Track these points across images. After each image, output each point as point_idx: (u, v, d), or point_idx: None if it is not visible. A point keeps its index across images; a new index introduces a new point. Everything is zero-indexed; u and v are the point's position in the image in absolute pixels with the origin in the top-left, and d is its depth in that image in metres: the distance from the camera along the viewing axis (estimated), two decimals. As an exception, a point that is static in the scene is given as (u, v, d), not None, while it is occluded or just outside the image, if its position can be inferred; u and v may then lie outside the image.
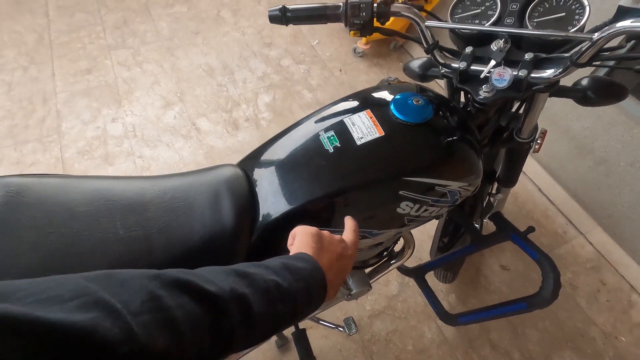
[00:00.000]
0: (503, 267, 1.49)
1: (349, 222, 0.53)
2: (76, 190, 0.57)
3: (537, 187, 1.73)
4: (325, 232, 0.49)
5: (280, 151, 0.64)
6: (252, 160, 0.67)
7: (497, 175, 0.99)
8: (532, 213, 1.66)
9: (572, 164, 1.58)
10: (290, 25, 0.65)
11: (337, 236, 0.49)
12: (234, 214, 0.58)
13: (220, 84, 2.03)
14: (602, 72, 1.26)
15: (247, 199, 0.60)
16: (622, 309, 1.41)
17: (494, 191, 1.06)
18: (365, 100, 0.65)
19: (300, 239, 0.46)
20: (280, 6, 0.64)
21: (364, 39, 2.15)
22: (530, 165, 1.72)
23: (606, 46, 0.51)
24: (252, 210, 0.61)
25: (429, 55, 0.69)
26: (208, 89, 2.00)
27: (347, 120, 0.61)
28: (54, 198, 0.54)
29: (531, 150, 0.80)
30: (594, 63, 0.53)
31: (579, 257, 1.53)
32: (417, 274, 0.98)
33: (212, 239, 0.56)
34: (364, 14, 0.61)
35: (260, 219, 0.60)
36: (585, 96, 0.67)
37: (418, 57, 0.86)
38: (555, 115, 1.55)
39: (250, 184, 0.63)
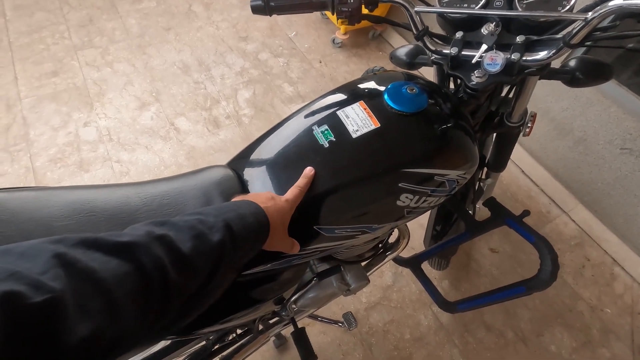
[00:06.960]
0: (492, 250, 1.51)
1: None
2: (53, 203, 0.52)
3: (519, 169, 1.77)
4: None
5: (271, 149, 0.61)
6: (242, 160, 0.63)
7: (486, 161, 0.99)
8: (516, 195, 1.69)
9: (553, 144, 1.62)
10: (266, 17, 0.62)
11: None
12: None
13: (197, 81, 1.96)
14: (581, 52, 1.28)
15: None
16: (606, 282, 1.46)
17: (483, 176, 1.07)
18: (357, 92, 0.63)
19: None
20: (263, -5, 0.60)
21: (342, 29, 2.12)
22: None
23: (599, 26, 0.51)
24: None
25: (415, 43, 0.67)
26: (184, 87, 1.93)
27: (341, 112, 0.59)
28: (29, 213, 0.49)
29: (522, 134, 0.80)
30: (586, 43, 0.53)
31: (563, 235, 1.58)
32: (413, 264, 0.97)
33: None
34: (351, 0, 0.58)
35: None
36: (574, 77, 0.67)
37: (404, 45, 0.84)
38: (535, 97, 1.57)
39: (243, 185, 0.60)
